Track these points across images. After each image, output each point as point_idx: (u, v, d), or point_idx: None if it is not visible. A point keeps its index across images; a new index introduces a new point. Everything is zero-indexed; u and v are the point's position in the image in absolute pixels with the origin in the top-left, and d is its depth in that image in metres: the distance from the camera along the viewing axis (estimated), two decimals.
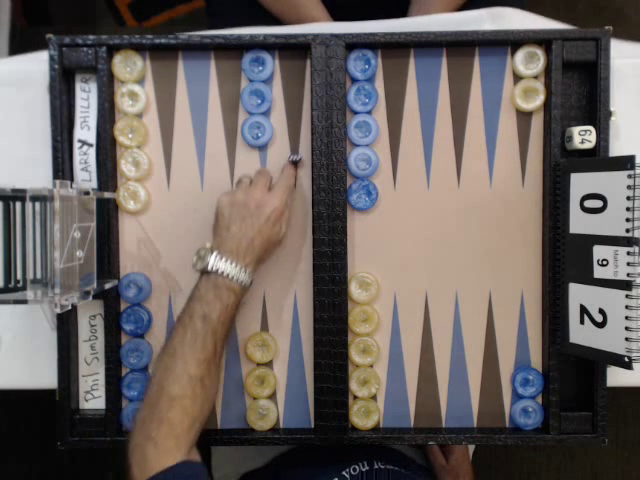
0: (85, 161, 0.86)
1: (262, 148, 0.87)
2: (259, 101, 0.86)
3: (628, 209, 0.72)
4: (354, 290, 0.86)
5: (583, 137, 0.82)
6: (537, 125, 0.86)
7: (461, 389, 0.87)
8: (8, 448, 1.73)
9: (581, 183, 0.79)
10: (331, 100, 0.83)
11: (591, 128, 0.83)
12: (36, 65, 0.87)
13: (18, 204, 0.69)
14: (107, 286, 0.82)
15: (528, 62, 0.85)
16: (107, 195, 0.83)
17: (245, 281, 0.77)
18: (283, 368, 0.88)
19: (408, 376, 0.88)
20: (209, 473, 1.00)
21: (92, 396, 0.88)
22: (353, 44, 0.84)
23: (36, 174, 0.85)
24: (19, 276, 0.69)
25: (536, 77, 0.85)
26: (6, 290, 0.68)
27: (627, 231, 0.73)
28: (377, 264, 0.87)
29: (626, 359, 0.74)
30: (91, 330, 0.87)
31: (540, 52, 0.84)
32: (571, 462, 1.76)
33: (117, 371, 0.86)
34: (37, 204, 0.69)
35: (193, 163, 0.87)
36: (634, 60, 0.88)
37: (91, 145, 0.85)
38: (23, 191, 0.69)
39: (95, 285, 0.77)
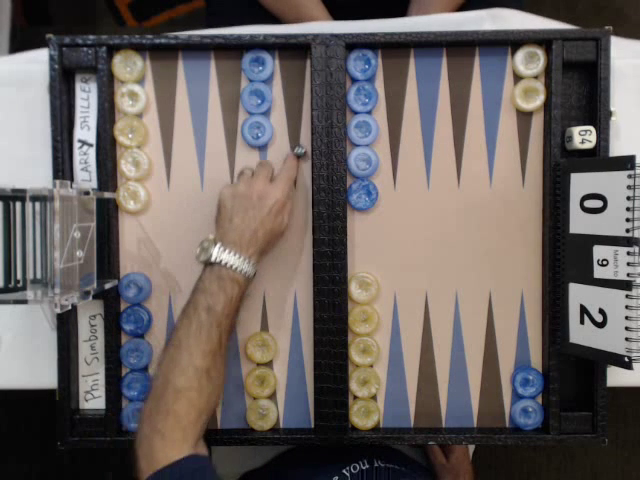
0: (85, 161, 0.86)
1: (262, 148, 0.87)
2: (259, 101, 0.86)
3: (628, 209, 0.72)
4: (354, 290, 0.86)
5: (583, 137, 0.82)
6: (537, 125, 0.86)
7: (461, 389, 0.87)
8: (8, 448, 1.73)
9: (581, 183, 0.79)
10: (331, 100, 0.83)
11: (591, 128, 0.83)
12: (36, 65, 0.87)
13: (18, 204, 0.69)
14: (107, 286, 0.82)
15: (528, 62, 0.85)
16: (107, 195, 0.83)
17: (249, 272, 0.77)
18: (283, 368, 0.88)
19: (408, 376, 0.88)
20: None
21: (92, 396, 0.88)
22: (353, 44, 0.84)
23: (36, 174, 0.86)
24: (19, 276, 0.69)
25: (536, 77, 0.85)
26: (6, 290, 0.68)
27: (627, 231, 0.73)
28: (377, 264, 0.87)
29: (626, 359, 0.74)
30: (91, 330, 0.87)
31: (540, 52, 0.84)
32: (571, 462, 1.76)
33: (117, 371, 0.86)
34: (37, 204, 0.69)
35: (193, 163, 0.87)
36: (634, 60, 0.88)
37: (91, 145, 0.85)
38: (23, 191, 0.69)
39: (95, 285, 0.77)
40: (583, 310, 0.79)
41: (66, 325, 0.84)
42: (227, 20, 0.97)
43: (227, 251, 0.76)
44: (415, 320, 0.87)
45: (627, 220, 0.73)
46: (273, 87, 0.86)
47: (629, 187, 0.72)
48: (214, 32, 0.90)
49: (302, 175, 0.86)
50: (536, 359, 0.87)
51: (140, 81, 0.86)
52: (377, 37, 0.83)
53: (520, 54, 0.85)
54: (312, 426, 0.87)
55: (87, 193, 0.76)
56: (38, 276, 0.70)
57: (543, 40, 0.84)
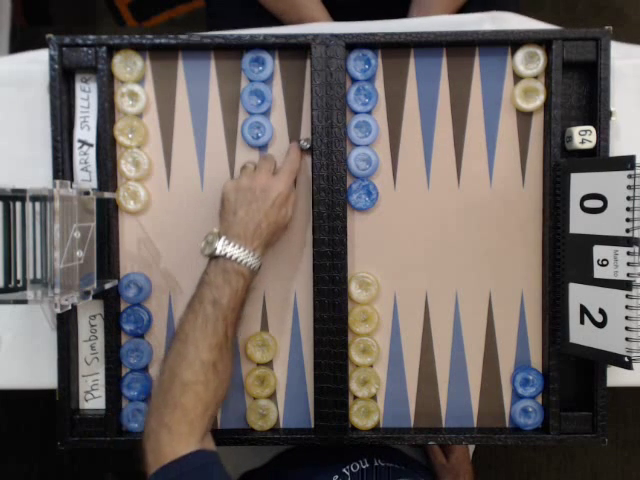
0: (85, 161, 0.86)
1: (262, 148, 0.87)
2: (259, 101, 0.86)
3: (628, 209, 0.72)
4: (354, 290, 0.86)
5: (583, 137, 0.82)
6: (537, 125, 0.86)
7: (461, 389, 0.87)
8: (8, 448, 1.73)
9: (581, 183, 0.79)
10: (331, 100, 0.83)
11: (591, 128, 0.83)
12: (36, 65, 0.87)
13: (18, 204, 0.69)
14: (107, 286, 0.82)
15: (528, 62, 0.85)
16: (107, 195, 0.83)
17: (254, 265, 0.77)
18: (283, 368, 0.88)
19: (408, 376, 0.88)
20: None
21: (92, 396, 0.88)
22: (353, 44, 0.84)
23: (36, 174, 0.86)
24: (19, 276, 0.69)
25: (536, 77, 0.85)
26: (6, 290, 0.68)
27: (627, 231, 0.73)
28: (377, 264, 0.87)
29: (626, 359, 0.74)
30: (91, 330, 0.87)
31: (540, 52, 0.84)
32: (571, 462, 1.76)
33: (117, 371, 0.86)
34: (37, 204, 0.69)
35: (193, 163, 0.87)
36: (634, 60, 0.88)
37: (91, 145, 0.85)
38: (23, 191, 0.69)
39: (95, 285, 0.77)
40: (583, 310, 0.79)
41: (66, 325, 0.84)
42: (227, 20, 0.97)
43: (232, 244, 0.76)
44: (415, 320, 0.87)
45: (627, 220, 0.73)
46: (273, 87, 0.86)
47: (629, 187, 0.72)
48: (214, 32, 0.90)
49: (302, 175, 0.86)
50: (536, 359, 0.87)
51: (140, 81, 0.86)
52: (377, 37, 0.83)
53: (520, 54, 0.85)
54: (312, 426, 0.87)
55: (87, 193, 0.76)
56: (38, 276, 0.70)
57: (543, 40, 0.84)
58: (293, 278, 0.87)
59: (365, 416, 0.87)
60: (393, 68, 0.86)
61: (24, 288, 0.69)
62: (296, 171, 0.84)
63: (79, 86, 0.86)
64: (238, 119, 0.87)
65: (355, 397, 0.87)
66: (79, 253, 0.74)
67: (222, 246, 0.76)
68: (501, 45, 0.85)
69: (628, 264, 0.73)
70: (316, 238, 0.84)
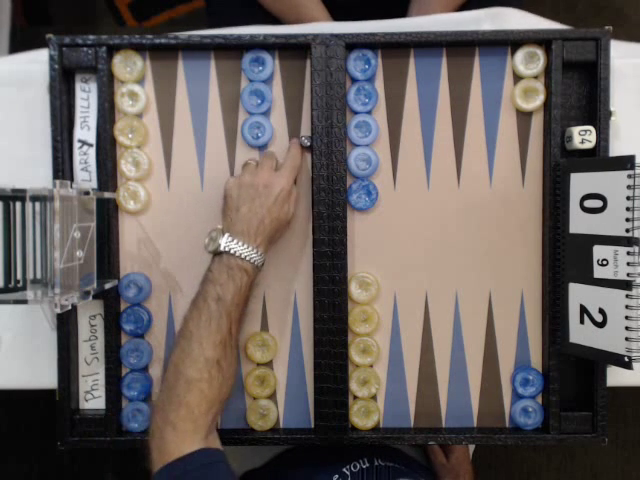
0: (85, 161, 0.86)
1: (262, 148, 0.87)
2: (259, 101, 0.86)
3: (628, 209, 0.72)
4: (354, 290, 0.86)
5: (583, 137, 0.82)
6: (537, 125, 0.86)
7: (461, 389, 0.87)
8: (8, 448, 1.73)
9: (581, 183, 0.79)
10: (331, 100, 0.83)
11: (591, 128, 0.83)
12: (36, 65, 0.87)
13: (18, 204, 0.69)
14: (107, 286, 0.82)
15: (528, 62, 0.85)
16: (107, 195, 0.83)
17: (257, 261, 0.77)
18: (283, 368, 0.88)
19: (408, 376, 0.88)
20: None
21: (92, 396, 0.88)
22: (353, 44, 0.84)
23: (36, 174, 0.86)
24: (19, 276, 0.69)
25: (536, 77, 0.85)
26: (6, 290, 0.68)
27: (627, 231, 0.73)
28: (377, 264, 0.87)
29: (626, 359, 0.74)
30: (91, 330, 0.87)
31: (540, 52, 0.84)
32: (571, 462, 1.76)
33: (117, 371, 0.86)
34: (37, 204, 0.69)
35: (193, 163, 0.87)
36: (634, 60, 0.88)
37: (91, 145, 0.85)
38: (23, 191, 0.69)
39: (95, 285, 0.77)
40: (583, 310, 0.79)
41: (66, 325, 0.84)
42: (227, 20, 0.97)
43: (235, 240, 0.76)
44: (415, 320, 0.87)
45: (627, 220, 0.73)
46: (273, 87, 0.86)
47: (629, 187, 0.72)
48: (214, 32, 0.90)
49: (302, 174, 0.86)
50: (536, 359, 0.87)
51: (140, 81, 0.86)
52: (377, 37, 0.83)
53: (520, 54, 0.85)
54: (312, 426, 0.87)
55: (87, 193, 0.76)
56: (38, 276, 0.70)
57: (543, 40, 0.84)
58: (293, 278, 0.87)
59: (365, 416, 0.87)
60: (393, 68, 0.86)
61: (24, 288, 0.69)
62: (298, 167, 0.84)
63: (79, 86, 0.86)
64: (238, 119, 0.87)
65: (355, 397, 0.87)
66: (79, 253, 0.74)
67: (226, 242, 0.76)
68: (501, 45, 0.85)
69: (628, 264, 0.73)
70: (316, 238, 0.84)
